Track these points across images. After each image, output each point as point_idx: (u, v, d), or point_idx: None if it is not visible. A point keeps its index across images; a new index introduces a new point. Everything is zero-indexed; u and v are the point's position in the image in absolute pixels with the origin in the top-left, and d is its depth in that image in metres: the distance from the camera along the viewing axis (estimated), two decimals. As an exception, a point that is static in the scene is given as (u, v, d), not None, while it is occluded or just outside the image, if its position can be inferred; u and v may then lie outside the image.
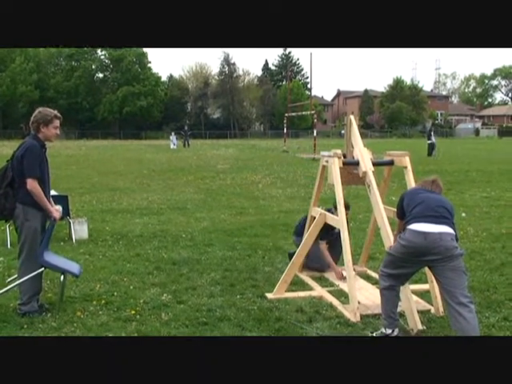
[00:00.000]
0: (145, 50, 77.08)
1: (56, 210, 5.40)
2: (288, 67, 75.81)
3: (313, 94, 52.73)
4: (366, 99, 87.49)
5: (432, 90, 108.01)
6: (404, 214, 4.75)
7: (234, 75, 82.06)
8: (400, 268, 4.61)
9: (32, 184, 5.12)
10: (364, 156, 5.85)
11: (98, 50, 77.31)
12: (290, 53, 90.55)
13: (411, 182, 5.76)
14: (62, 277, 5.44)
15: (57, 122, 5.38)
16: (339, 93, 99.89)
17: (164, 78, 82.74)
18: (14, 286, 5.42)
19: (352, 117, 6.23)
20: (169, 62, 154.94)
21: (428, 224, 4.44)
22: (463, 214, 10.80)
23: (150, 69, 78.13)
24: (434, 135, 32.08)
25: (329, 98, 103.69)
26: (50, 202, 5.35)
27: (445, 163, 24.32)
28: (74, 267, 5.67)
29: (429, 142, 30.97)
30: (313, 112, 35.58)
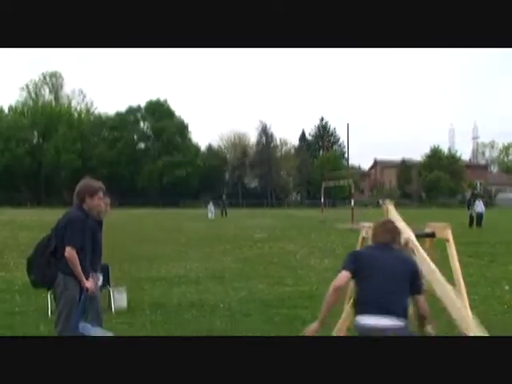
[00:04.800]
0: (186, 120, 79.42)
1: (91, 281, 5.44)
2: (325, 137, 76.92)
3: (349, 163, 53.04)
4: (404, 169, 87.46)
5: (470, 160, 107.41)
6: (352, 267, 4.66)
7: (272, 145, 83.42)
8: None
9: (70, 252, 5.20)
10: (404, 228, 5.78)
11: (141, 123, 79.68)
12: (326, 123, 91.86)
13: (454, 256, 5.58)
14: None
15: (101, 194, 5.53)
16: (376, 163, 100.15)
17: (203, 148, 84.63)
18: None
19: (388, 202, 6.16)
20: (206, 130, 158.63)
21: (372, 316, 4.32)
22: (506, 287, 10.46)
23: (190, 140, 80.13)
24: (480, 204, 30.63)
25: (366, 166, 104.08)
26: (92, 272, 5.40)
27: (487, 234, 23.82)
28: (110, 338, 5.63)
29: (469, 212, 30.40)
30: (350, 182, 35.72)
